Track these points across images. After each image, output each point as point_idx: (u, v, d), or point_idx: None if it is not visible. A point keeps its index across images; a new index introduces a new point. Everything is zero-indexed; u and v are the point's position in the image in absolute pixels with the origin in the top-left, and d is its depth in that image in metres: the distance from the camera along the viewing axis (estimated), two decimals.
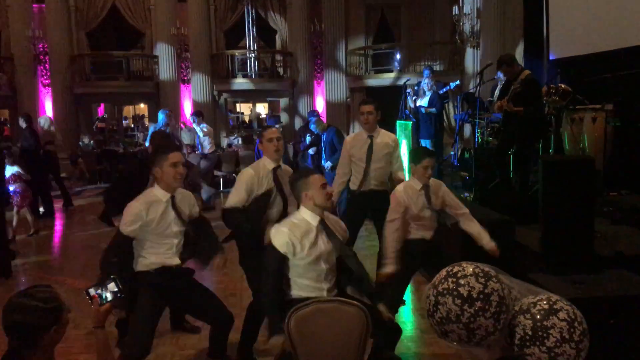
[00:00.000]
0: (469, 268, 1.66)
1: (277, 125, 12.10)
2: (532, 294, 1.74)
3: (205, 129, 10.42)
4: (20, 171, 8.12)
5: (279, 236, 3.07)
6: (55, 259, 7.36)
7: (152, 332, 3.44)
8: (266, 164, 3.92)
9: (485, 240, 3.98)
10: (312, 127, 9.09)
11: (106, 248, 3.47)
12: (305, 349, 2.75)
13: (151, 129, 10.48)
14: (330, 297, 3.03)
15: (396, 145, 5.16)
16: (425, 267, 4.38)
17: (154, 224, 3.40)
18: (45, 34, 15.49)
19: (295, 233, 3.06)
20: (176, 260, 3.53)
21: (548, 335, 1.58)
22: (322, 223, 3.15)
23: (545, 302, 1.65)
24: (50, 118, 11.04)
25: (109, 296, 2.31)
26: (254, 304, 3.91)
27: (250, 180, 3.83)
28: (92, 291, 2.30)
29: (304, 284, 3.13)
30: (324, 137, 8.75)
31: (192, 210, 3.70)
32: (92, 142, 15.31)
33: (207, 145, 10.52)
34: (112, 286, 2.33)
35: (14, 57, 15.76)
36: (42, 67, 15.61)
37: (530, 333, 1.60)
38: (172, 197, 3.47)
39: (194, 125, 10.56)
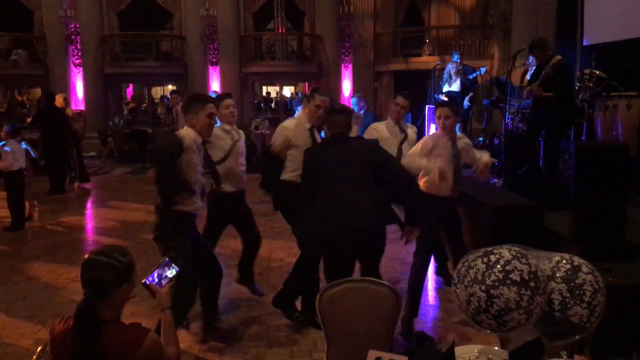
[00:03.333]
0: (506, 252, 1.62)
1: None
2: (546, 259, 1.74)
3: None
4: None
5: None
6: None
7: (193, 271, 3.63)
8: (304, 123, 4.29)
9: (486, 156, 4.51)
10: (354, 100, 9.05)
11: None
12: (336, 326, 2.80)
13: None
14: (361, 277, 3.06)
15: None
16: (443, 225, 4.41)
17: (188, 154, 3.48)
18: (77, 14, 15.68)
19: None
20: (199, 205, 3.72)
21: (584, 292, 1.62)
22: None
23: (565, 262, 1.67)
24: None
25: (169, 274, 2.34)
26: (301, 258, 4.11)
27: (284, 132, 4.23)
28: (147, 281, 2.31)
29: None
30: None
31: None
32: (121, 121, 15.52)
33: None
34: (167, 264, 2.35)
35: (46, 36, 16.05)
36: (73, 47, 15.82)
37: (568, 295, 1.63)
38: (204, 142, 3.67)
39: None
